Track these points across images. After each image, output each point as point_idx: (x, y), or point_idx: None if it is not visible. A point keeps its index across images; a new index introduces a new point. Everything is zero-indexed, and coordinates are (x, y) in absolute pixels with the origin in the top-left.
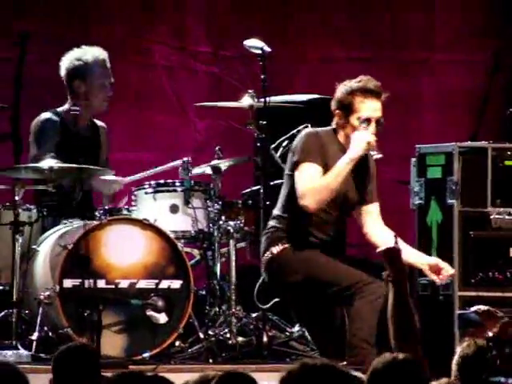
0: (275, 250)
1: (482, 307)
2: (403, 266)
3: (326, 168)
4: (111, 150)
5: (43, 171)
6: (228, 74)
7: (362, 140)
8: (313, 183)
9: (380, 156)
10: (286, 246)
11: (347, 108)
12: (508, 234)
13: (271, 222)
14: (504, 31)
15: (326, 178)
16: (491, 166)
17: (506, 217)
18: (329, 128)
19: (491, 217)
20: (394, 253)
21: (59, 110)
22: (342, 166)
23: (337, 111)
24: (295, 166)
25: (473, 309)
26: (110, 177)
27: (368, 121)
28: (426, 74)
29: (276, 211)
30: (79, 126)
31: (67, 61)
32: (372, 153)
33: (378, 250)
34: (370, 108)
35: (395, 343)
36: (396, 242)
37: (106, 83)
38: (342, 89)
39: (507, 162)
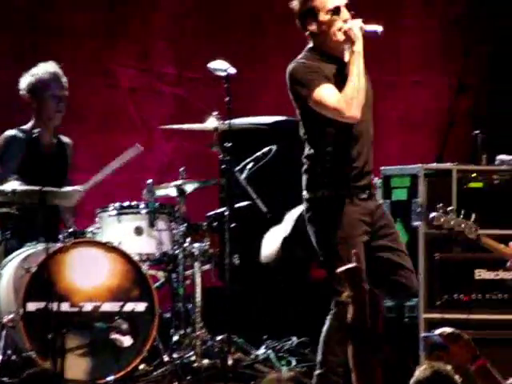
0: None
1: (447, 329)
2: (364, 286)
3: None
4: (76, 171)
5: (6, 194)
6: (193, 95)
7: (355, 29)
8: (341, 94)
9: (381, 28)
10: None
11: (312, 12)
12: (473, 256)
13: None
14: (468, 53)
15: (350, 82)
16: (456, 187)
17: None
18: (306, 52)
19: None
20: (355, 272)
21: (25, 127)
22: (356, 62)
23: (307, 22)
24: (307, 99)
25: (437, 331)
26: (69, 188)
27: (338, 9)
28: (392, 96)
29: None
30: (44, 143)
31: (23, 79)
32: (372, 28)
33: (338, 270)
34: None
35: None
36: None
37: (57, 94)
38: (297, 1)
39: (472, 184)
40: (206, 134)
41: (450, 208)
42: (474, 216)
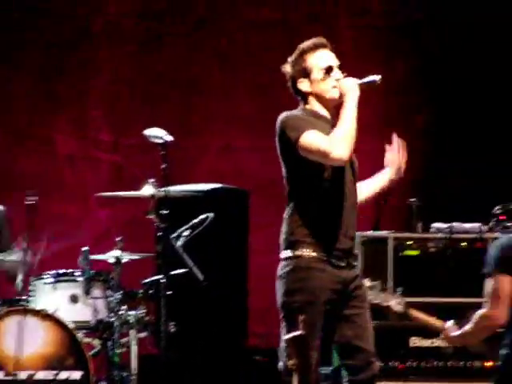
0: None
1: None
2: (310, 354)
3: None
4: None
5: None
6: (130, 162)
7: (352, 84)
8: (330, 136)
9: (379, 76)
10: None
11: (304, 72)
12: (408, 324)
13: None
14: (386, 201)
15: (339, 125)
16: (392, 255)
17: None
18: (298, 110)
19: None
20: (300, 340)
21: None
22: (349, 110)
23: (299, 81)
24: (296, 142)
25: None
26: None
27: (330, 68)
28: None
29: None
30: None
31: None
32: (369, 78)
33: (284, 337)
34: (325, 57)
35: None
36: None
37: None
38: (289, 63)
39: (408, 252)
40: (142, 201)
41: (374, 283)
42: (401, 289)
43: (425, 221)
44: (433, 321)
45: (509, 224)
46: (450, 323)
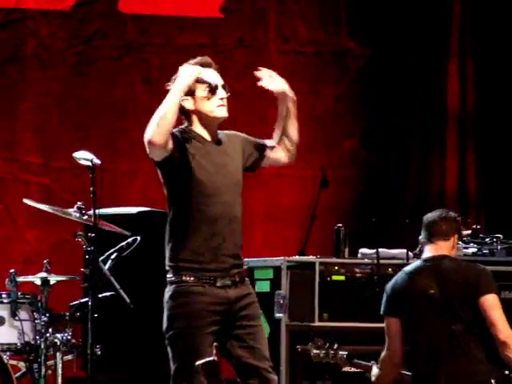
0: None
1: None
2: (221, 379)
3: (189, 165)
4: None
5: None
6: (59, 185)
7: (185, 70)
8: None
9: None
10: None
11: (189, 89)
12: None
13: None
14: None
15: (158, 111)
16: (319, 280)
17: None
18: (178, 128)
19: (311, 354)
20: (212, 366)
21: None
22: (171, 94)
23: (183, 99)
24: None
25: None
26: None
27: (216, 87)
28: (256, 187)
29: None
30: None
31: None
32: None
33: (197, 363)
34: (210, 76)
35: None
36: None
37: None
38: (173, 80)
39: (334, 277)
40: (71, 224)
41: (318, 342)
42: (336, 344)
43: (352, 246)
44: (368, 365)
45: None
46: (374, 367)
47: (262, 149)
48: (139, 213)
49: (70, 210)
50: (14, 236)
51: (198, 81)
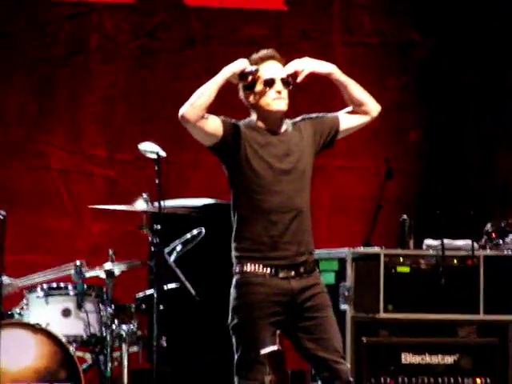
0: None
1: None
2: (287, 369)
3: (246, 155)
4: (6, 253)
5: None
6: (123, 177)
7: (242, 60)
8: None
9: (252, 70)
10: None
11: (249, 85)
12: (399, 340)
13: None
14: (391, 174)
15: (199, 89)
16: (383, 271)
17: None
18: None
19: None
20: (278, 356)
21: None
22: (213, 79)
23: (245, 93)
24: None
25: None
26: (4, 279)
27: (272, 81)
28: (321, 179)
29: None
30: None
31: None
32: (248, 68)
33: (262, 351)
34: (269, 69)
35: None
36: None
37: None
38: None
39: (399, 268)
40: (136, 216)
41: None
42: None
43: (417, 237)
44: None
45: (500, 241)
46: None
47: (335, 123)
48: (203, 206)
49: (135, 202)
50: (79, 228)
51: (255, 75)
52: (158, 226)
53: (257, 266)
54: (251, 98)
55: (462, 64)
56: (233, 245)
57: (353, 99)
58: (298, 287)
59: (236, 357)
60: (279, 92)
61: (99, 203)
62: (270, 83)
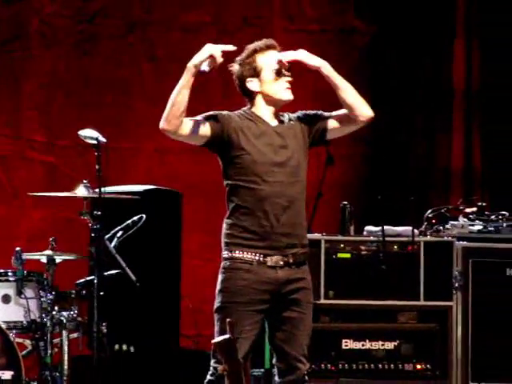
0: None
1: None
2: (238, 357)
3: (239, 145)
4: None
5: None
6: (64, 163)
7: (207, 49)
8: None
9: (205, 70)
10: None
11: (255, 71)
12: (340, 326)
13: None
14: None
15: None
16: (324, 258)
17: None
18: (240, 110)
19: None
20: (229, 345)
21: None
22: (182, 80)
23: (248, 81)
24: None
25: None
26: None
27: (282, 70)
28: None
29: None
30: None
31: None
32: (203, 66)
33: (213, 341)
34: (275, 58)
35: None
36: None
37: None
38: (237, 62)
39: (340, 255)
40: (76, 202)
41: None
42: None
43: (357, 224)
44: None
45: (440, 228)
46: None
47: (324, 121)
48: (144, 191)
49: (76, 189)
50: (18, 214)
51: (265, 64)
52: (99, 212)
53: (245, 253)
54: (255, 85)
55: (402, 51)
56: (223, 232)
57: (343, 100)
58: (284, 277)
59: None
60: (290, 82)
61: (39, 189)
62: (280, 72)
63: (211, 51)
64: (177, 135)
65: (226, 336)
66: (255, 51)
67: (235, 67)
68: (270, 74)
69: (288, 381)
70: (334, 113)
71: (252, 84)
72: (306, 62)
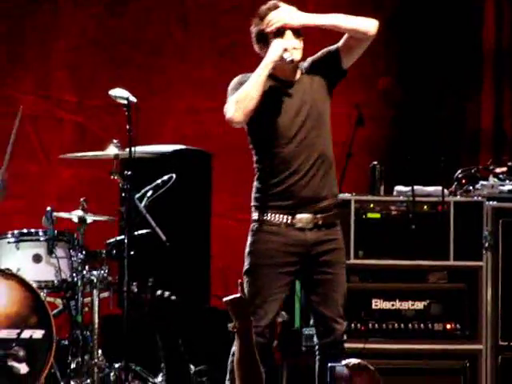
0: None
1: (354, 360)
2: (249, 316)
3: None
4: None
5: None
6: (93, 123)
7: (277, 45)
8: (231, 99)
9: (292, 58)
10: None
11: (263, 36)
12: (370, 286)
13: None
14: (368, 84)
15: (243, 87)
16: (354, 218)
17: None
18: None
19: None
20: (241, 303)
21: None
22: (257, 72)
23: (258, 48)
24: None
25: (344, 362)
26: None
27: (281, 32)
28: None
29: None
30: None
31: None
32: (285, 55)
33: (224, 299)
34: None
35: None
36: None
37: None
38: (252, 26)
39: (370, 215)
40: (106, 162)
41: None
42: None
43: (387, 184)
44: None
45: (470, 188)
46: None
47: (335, 52)
48: (173, 151)
49: (105, 149)
50: (48, 173)
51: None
52: (129, 172)
53: (274, 215)
54: (264, 53)
55: (430, 11)
56: (252, 194)
57: (346, 32)
58: (313, 239)
59: None
60: (292, 44)
61: (69, 149)
62: (279, 34)
63: (283, 45)
64: (244, 124)
65: (238, 295)
66: (261, 14)
67: (252, 28)
68: (273, 39)
69: (326, 342)
70: (340, 41)
71: (258, 48)
72: (289, 24)
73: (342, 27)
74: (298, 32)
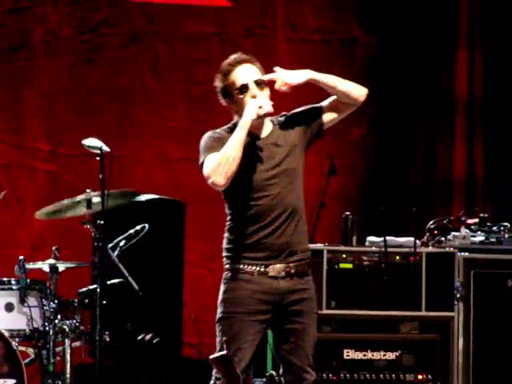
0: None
1: None
2: (236, 372)
3: None
4: None
5: None
6: (66, 172)
7: (252, 105)
8: (212, 161)
9: (267, 111)
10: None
11: (227, 92)
12: (342, 336)
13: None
14: (340, 135)
15: (221, 150)
16: (326, 268)
17: None
18: (227, 125)
19: None
20: (226, 360)
21: None
22: (236, 134)
23: (224, 102)
24: (201, 167)
25: None
26: None
27: (245, 87)
28: None
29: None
30: None
31: None
32: (260, 112)
33: (210, 357)
34: (241, 74)
35: None
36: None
37: None
38: (217, 82)
39: (342, 265)
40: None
41: None
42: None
43: (360, 234)
44: None
45: (442, 239)
46: None
47: (318, 115)
48: (146, 200)
49: (79, 197)
50: (21, 222)
51: (231, 83)
52: (102, 222)
53: (246, 265)
54: (233, 106)
55: (404, 61)
56: (224, 246)
57: (337, 94)
58: (285, 287)
59: (217, 350)
60: (254, 96)
61: (42, 198)
62: (243, 89)
63: (257, 104)
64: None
65: (223, 352)
66: (224, 70)
67: (216, 83)
68: (237, 94)
69: None
70: (326, 102)
71: (224, 102)
72: (295, 83)
73: (337, 88)
74: (259, 83)
